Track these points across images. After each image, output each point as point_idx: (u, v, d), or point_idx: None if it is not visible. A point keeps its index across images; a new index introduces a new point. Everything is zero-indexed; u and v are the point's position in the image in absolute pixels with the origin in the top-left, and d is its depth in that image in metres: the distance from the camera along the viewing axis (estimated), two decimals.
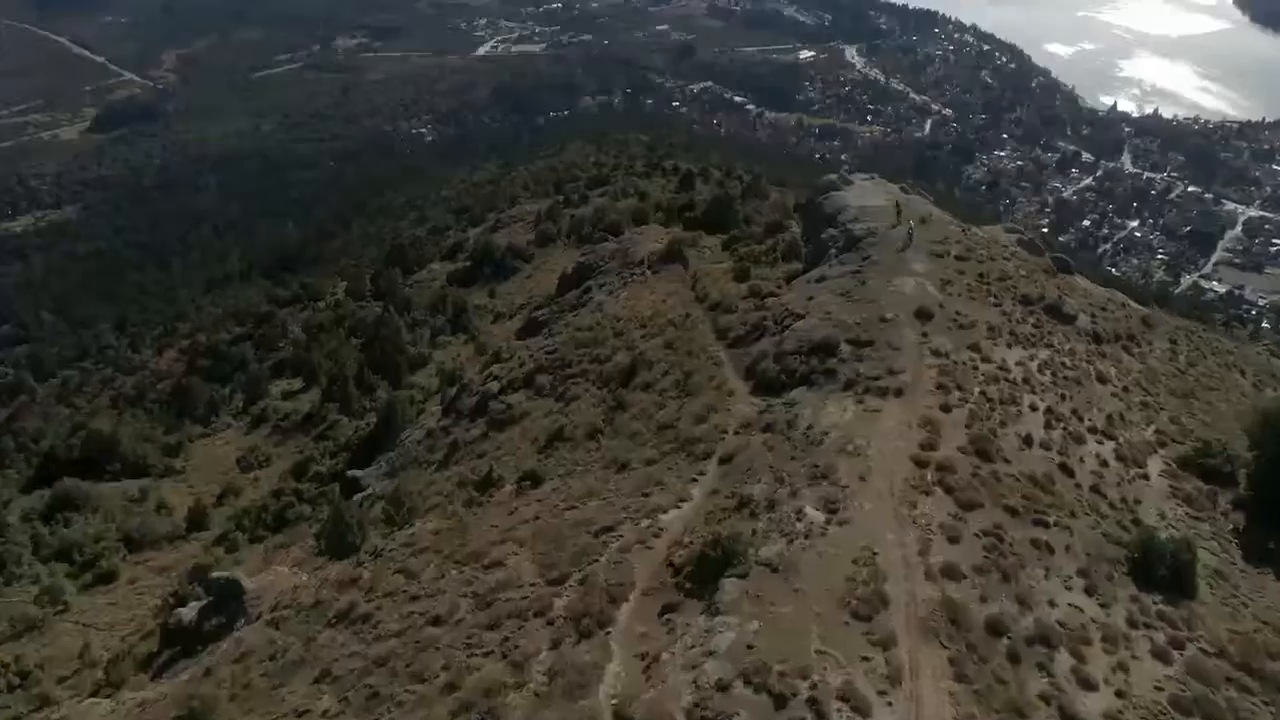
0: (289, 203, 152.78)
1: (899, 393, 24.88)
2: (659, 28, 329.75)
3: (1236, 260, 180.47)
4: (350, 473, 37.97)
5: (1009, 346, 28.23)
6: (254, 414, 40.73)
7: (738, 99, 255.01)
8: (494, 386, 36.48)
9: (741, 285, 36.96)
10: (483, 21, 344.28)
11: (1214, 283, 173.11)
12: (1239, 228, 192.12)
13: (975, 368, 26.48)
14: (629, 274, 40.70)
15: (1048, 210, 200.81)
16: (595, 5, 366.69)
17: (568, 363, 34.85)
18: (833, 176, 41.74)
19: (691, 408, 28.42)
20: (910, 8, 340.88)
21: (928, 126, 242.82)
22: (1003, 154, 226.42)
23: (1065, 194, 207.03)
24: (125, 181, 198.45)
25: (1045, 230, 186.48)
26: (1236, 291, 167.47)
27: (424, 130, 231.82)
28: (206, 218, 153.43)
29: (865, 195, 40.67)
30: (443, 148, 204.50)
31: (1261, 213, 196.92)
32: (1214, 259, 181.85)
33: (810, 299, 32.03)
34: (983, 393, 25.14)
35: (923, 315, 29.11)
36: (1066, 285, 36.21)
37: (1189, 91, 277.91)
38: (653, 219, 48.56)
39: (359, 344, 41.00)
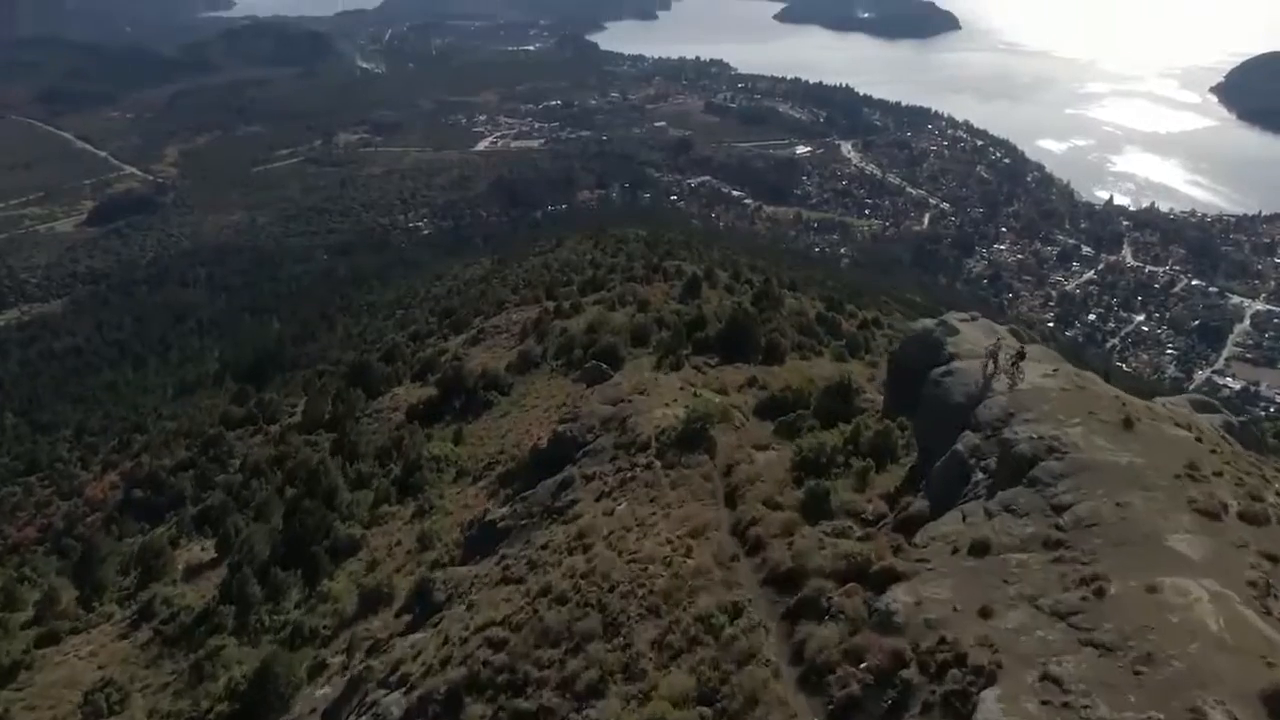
0: (277, 298, 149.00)
1: None
2: (656, 124, 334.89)
3: (1249, 355, 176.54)
4: None
5: None
6: (142, 602, 33.78)
7: (735, 193, 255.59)
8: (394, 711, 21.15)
9: (818, 530, 21.59)
10: (483, 118, 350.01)
11: (1228, 379, 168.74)
12: (1247, 321, 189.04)
13: None
14: (628, 464, 28.24)
15: (1051, 304, 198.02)
16: (594, 102, 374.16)
17: (520, 677, 19.73)
18: (931, 323, 27.95)
19: None
20: (903, 105, 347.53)
21: (926, 220, 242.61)
22: (1002, 247, 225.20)
23: (1068, 287, 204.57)
24: (115, 275, 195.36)
25: (1051, 324, 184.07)
26: (1252, 388, 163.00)
27: (420, 224, 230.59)
28: (192, 313, 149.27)
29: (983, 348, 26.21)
30: (438, 241, 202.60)
31: (1269, 306, 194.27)
32: (1225, 354, 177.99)
33: (988, 616, 15.38)
34: None
35: None
36: None
37: (1181, 185, 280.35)
38: (656, 338, 41.29)
39: (286, 503, 34.12)
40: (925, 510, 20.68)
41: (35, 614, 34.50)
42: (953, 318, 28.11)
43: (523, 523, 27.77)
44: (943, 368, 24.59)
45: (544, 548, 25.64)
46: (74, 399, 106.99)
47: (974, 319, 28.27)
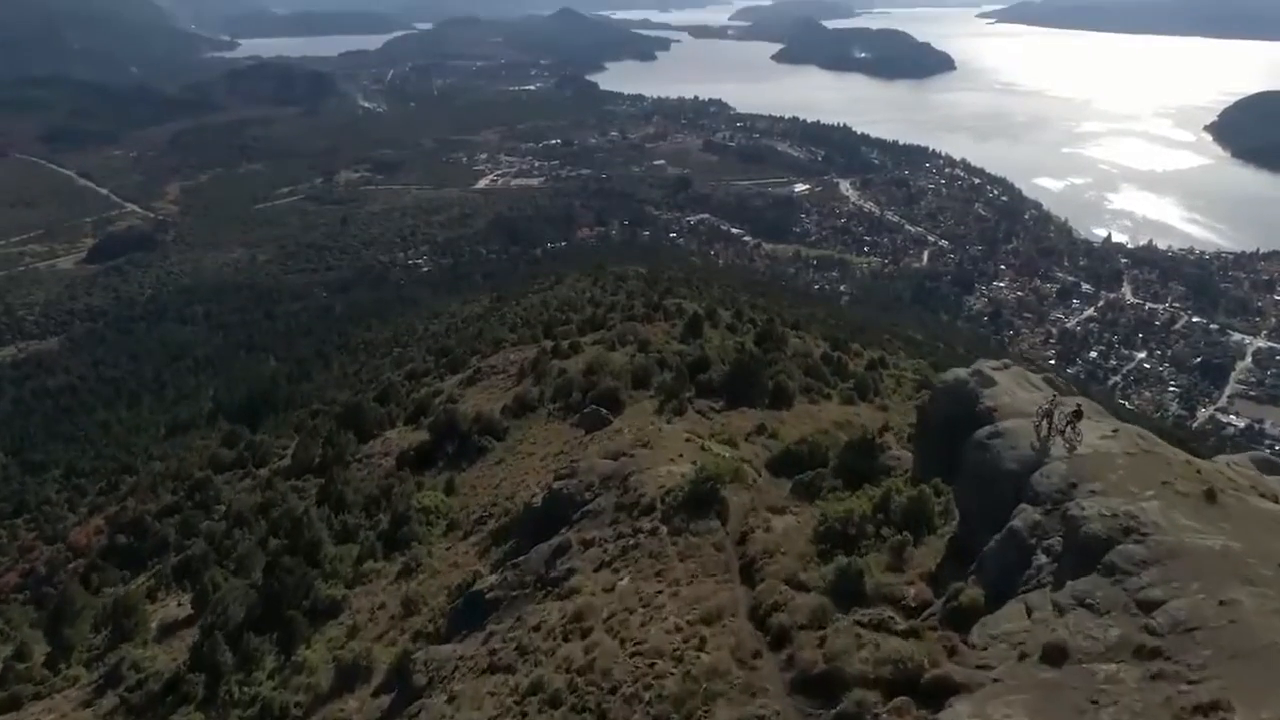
0: (274, 335, 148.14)
1: None
2: (655, 162, 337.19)
3: (1252, 393, 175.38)
4: None
5: None
6: (110, 665, 31.84)
7: (735, 230, 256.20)
8: None
9: (852, 620, 18.97)
10: (483, 156, 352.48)
11: (1231, 416, 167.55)
12: (1249, 359, 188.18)
13: None
14: (631, 529, 25.37)
15: (1052, 341, 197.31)
16: (594, 141, 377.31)
17: None
18: (964, 374, 25.00)
19: None
20: (900, 143, 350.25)
21: (925, 257, 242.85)
22: (1002, 284, 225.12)
23: (1069, 324, 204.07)
24: (113, 312, 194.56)
25: (1052, 361, 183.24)
26: (1256, 425, 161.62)
27: (419, 261, 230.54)
28: (188, 350, 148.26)
29: (1027, 404, 22.98)
30: (437, 279, 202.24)
31: (1270, 343, 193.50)
32: (1228, 391, 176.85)
33: None
34: None
35: None
36: None
37: (1178, 223, 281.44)
38: (658, 380, 39.58)
39: (268, 555, 32.45)
40: (979, 599, 17.83)
41: (0, 673, 32.74)
42: (986, 366, 25.50)
43: (514, 594, 24.98)
44: (989, 428, 21.40)
45: (536, 629, 23.07)
46: (66, 438, 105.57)
47: (1006, 367, 25.62)
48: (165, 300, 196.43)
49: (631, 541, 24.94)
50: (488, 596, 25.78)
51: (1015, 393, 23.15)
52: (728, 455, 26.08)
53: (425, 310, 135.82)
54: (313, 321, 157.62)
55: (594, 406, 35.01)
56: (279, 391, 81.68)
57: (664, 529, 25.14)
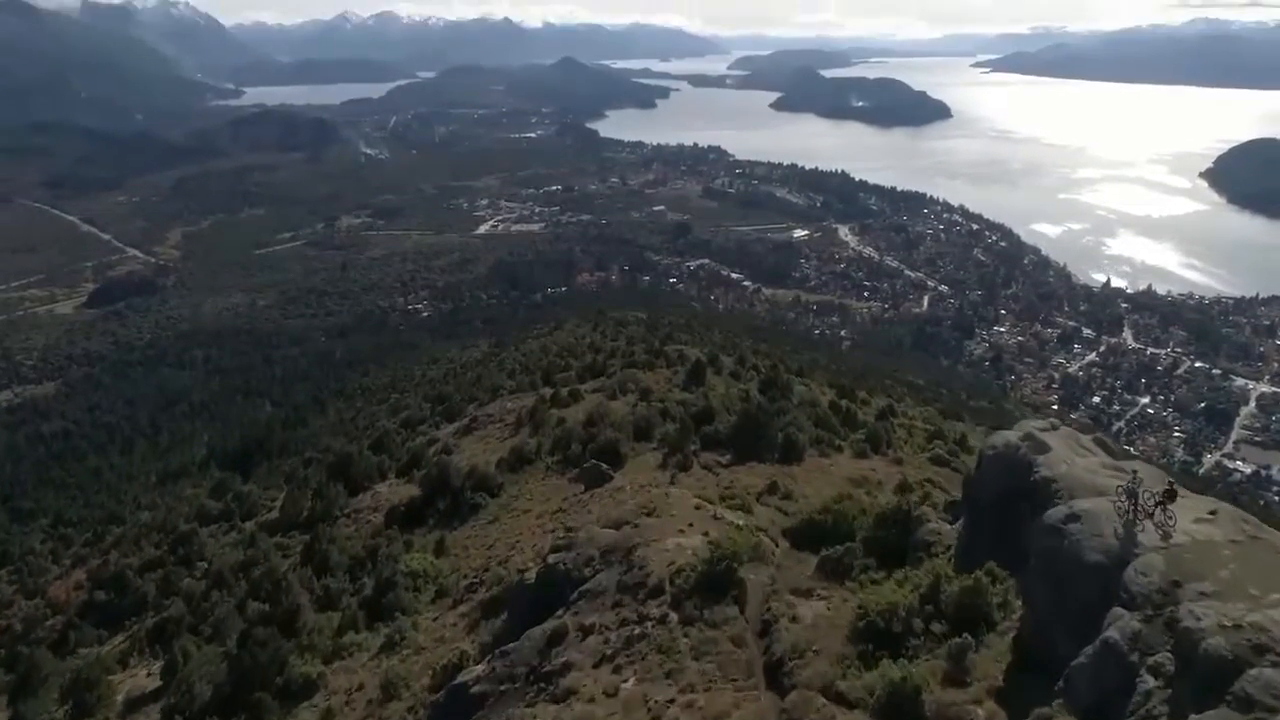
0: (271, 380, 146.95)
1: None
2: (655, 208, 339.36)
3: (1257, 439, 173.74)
4: None
5: None
6: None
7: (734, 275, 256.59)
8: None
9: None
10: (484, 202, 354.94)
11: (1238, 462, 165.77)
12: (1253, 404, 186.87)
13: None
14: (636, 615, 22.15)
15: (1055, 386, 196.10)
16: (594, 187, 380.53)
17: None
18: (1014, 438, 21.74)
19: None
20: (898, 189, 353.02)
21: (925, 302, 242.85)
22: (1002, 329, 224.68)
23: (1070, 369, 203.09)
24: (111, 357, 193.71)
25: (1055, 407, 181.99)
26: (1263, 472, 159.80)
27: (419, 306, 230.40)
28: (185, 396, 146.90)
29: (1088, 473, 19.90)
30: (436, 324, 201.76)
31: (1274, 388, 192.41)
32: (1233, 437, 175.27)
33: None
34: None
35: None
36: None
37: (1177, 268, 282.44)
38: (661, 431, 37.97)
39: (245, 621, 30.66)
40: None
41: None
42: (1033, 427, 22.27)
43: (501, 689, 21.83)
44: (1063, 509, 17.87)
45: None
46: (57, 485, 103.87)
47: (1054, 427, 22.63)
48: (164, 345, 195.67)
49: (637, 631, 21.87)
50: (472, 690, 22.93)
51: (1073, 460, 20.01)
52: (742, 525, 23.88)
53: (424, 355, 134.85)
54: (311, 367, 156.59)
55: (594, 461, 33.45)
56: (273, 438, 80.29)
57: (674, 616, 22.02)
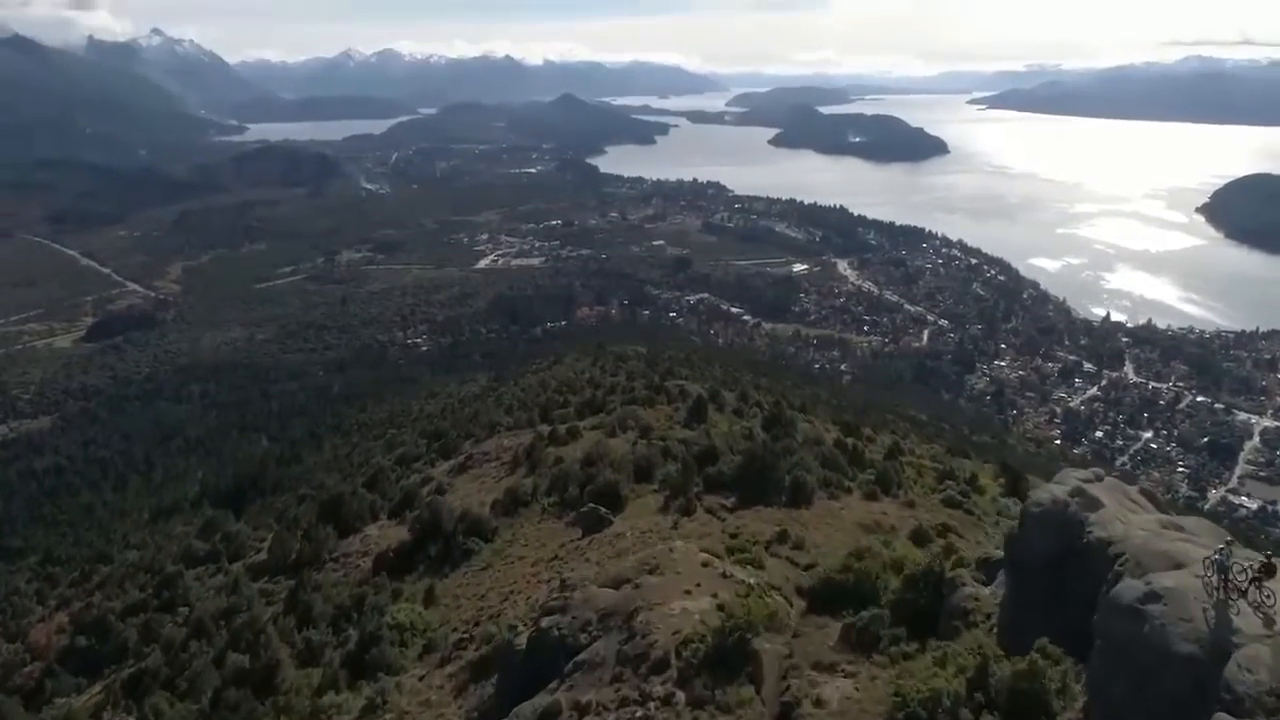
0: (268, 415, 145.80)
1: None
2: (655, 243, 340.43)
3: (1262, 473, 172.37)
4: None
5: None
6: None
7: (734, 310, 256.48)
8: None
9: None
10: (484, 236, 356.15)
11: (1243, 498, 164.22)
12: (1256, 438, 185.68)
13: None
14: (638, 694, 19.62)
15: (1057, 421, 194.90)
16: (594, 222, 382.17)
17: None
18: (1061, 493, 19.19)
19: None
20: (897, 224, 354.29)
21: (925, 336, 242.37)
22: (1003, 364, 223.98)
23: (1072, 404, 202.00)
24: (108, 391, 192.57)
25: (1058, 442, 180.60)
26: (1270, 507, 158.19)
27: (419, 340, 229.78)
28: (181, 430, 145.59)
29: (1149, 535, 17.26)
30: (436, 358, 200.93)
31: (1277, 423, 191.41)
32: (1237, 472, 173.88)
33: None
34: None
35: None
36: None
37: (1175, 302, 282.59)
38: (662, 472, 36.56)
39: (221, 677, 29.26)
40: None
41: None
42: (1078, 479, 19.51)
43: None
44: (1139, 586, 15.17)
45: None
46: (48, 522, 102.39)
47: (1098, 478, 20.18)
48: (162, 379, 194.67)
49: (640, 714, 19.40)
50: None
51: (1126, 517, 17.64)
52: (754, 584, 21.83)
53: (422, 390, 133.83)
54: (309, 401, 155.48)
55: (592, 505, 32.11)
56: (267, 475, 79.09)
57: (681, 696, 19.56)
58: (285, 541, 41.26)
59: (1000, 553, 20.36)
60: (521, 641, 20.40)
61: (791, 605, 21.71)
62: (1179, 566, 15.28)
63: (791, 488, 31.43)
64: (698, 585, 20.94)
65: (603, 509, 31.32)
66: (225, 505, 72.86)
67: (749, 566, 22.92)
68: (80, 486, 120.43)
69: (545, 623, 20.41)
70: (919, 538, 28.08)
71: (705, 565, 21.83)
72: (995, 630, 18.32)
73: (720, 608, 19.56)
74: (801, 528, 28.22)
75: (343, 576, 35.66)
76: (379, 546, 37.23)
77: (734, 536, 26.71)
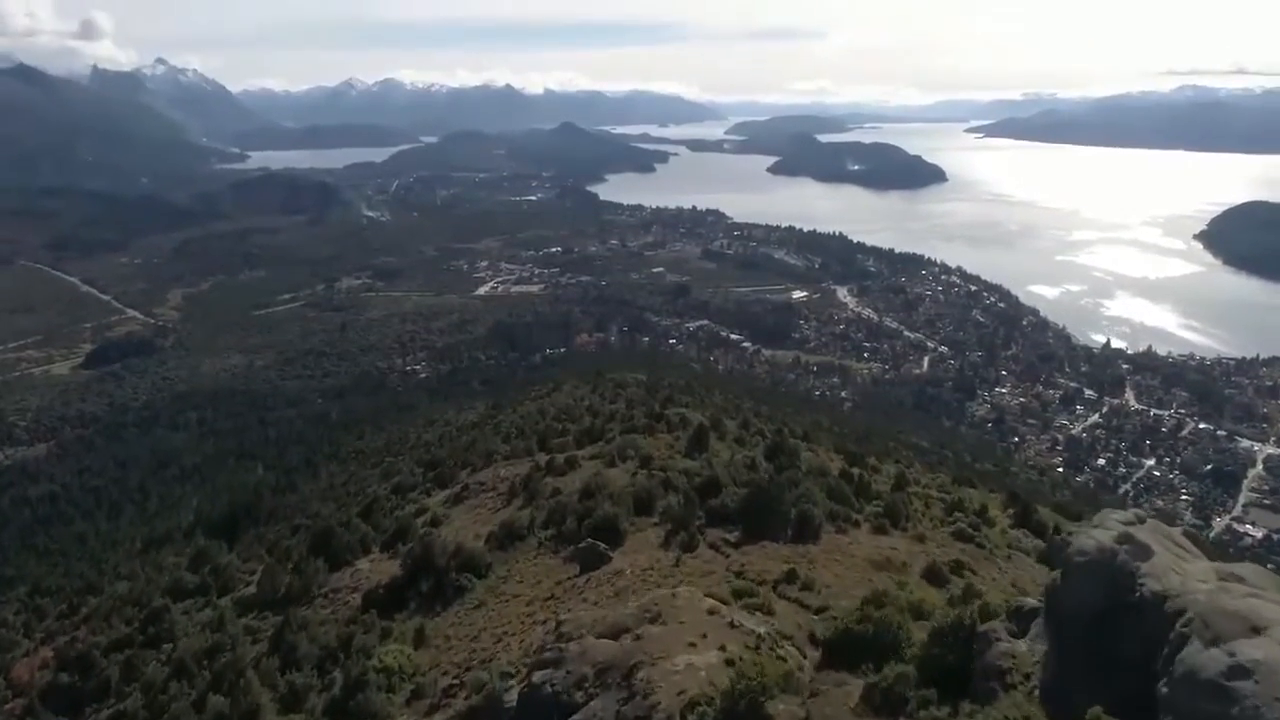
0: (265, 442, 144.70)
1: None
2: (655, 270, 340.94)
3: (1266, 501, 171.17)
4: None
5: None
6: None
7: (734, 336, 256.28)
8: None
9: None
10: (484, 264, 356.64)
11: (1248, 526, 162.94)
12: (1260, 466, 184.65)
13: None
14: None
15: (1059, 448, 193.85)
16: (593, 249, 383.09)
17: None
18: (1108, 540, 16.48)
19: None
20: (896, 251, 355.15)
21: (925, 363, 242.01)
22: (1004, 390, 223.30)
23: (1074, 431, 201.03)
24: (105, 418, 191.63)
25: (1060, 469, 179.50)
26: (1275, 535, 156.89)
27: (418, 367, 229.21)
28: (177, 458, 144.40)
29: (1215, 591, 14.67)
30: (434, 385, 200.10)
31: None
32: (1241, 500, 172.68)
33: None
34: None
35: None
36: None
37: (1175, 329, 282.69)
38: (663, 504, 35.50)
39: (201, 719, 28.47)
40: None
41: None
42: (1120, 522, 17.64)
43: None
44: (1224, 659, 12.98)
45: None
46: (39, 552, 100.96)
47: (1140, 520, 18.16)
48: (159, 406, 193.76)
49: None
50: None
51: (1182, 567, 16.02)
52: (764, 635, 20.58)
53: (420, 418, 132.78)
54: (306, 428, 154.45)
55: (590, 541, 31.04)
56: (262, 504, 78.02)
57: None
58: (274, 575, 40.17)
59: (1031, 600, 18.81)
60: (512, 698, 19.15)
61: (805, 656, 20.20)
62: (1256, 630, 13.56)
63: (798, 521, 30.42)
64: (703, 636, 19.09)
65: (601, 545, 30.28)
66: (219, 534, 71.59)
67: (758, 613, 21.66)
68: (74, 515, 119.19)
69: (537, 677, 18.75)
70: (934, 576, 26.87)
71: (711, 613, 20.30)
72: (1036, 692, 16.82)
73: (729, 663, 17.96)
74: (810, 565, 27.10)
75: (331, 614, 34.48)
76: (369, 582, 36.06)
77: (739, 575, 25.46)
